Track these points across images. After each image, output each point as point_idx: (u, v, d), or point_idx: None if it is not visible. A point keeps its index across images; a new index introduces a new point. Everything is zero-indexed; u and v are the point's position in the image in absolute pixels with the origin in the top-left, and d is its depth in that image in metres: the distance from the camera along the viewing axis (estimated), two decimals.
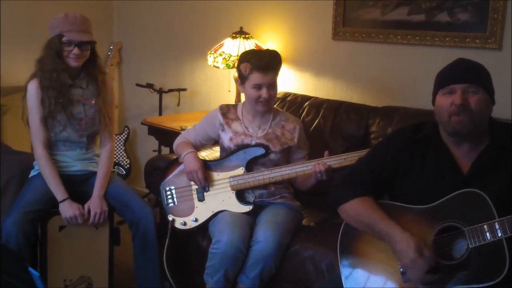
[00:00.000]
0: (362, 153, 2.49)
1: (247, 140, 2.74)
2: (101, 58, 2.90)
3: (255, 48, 3.40)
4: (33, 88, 2.70)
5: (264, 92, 2.65)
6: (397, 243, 1.87)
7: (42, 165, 2.74)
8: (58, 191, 2.70)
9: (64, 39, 2.65)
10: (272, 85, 2.67)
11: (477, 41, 2.90)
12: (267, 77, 2.64)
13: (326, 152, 2.59)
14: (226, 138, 2.77)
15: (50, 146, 2.78)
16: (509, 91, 2.79)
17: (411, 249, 1.82)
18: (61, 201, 2.69)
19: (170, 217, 2.76)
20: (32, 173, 2.86)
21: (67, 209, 2.69)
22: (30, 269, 2.05)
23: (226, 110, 2.83)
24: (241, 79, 2.71)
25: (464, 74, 1.91)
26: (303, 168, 2.58)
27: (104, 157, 2.88)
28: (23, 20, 4.08)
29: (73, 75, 2.77)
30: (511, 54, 2.83)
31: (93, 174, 2.85)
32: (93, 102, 2.80)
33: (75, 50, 2.67)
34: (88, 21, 2.75)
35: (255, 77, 2.63)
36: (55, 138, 2.77)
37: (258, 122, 2.79)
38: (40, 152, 2.73)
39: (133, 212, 2.79)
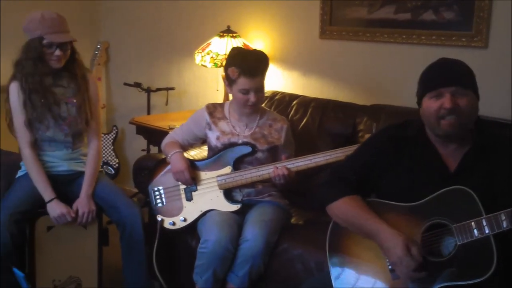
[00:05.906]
0: (347, 149, 2.50)
1: (234, 139, 2.74)
2: (80, 54, 2.83)
3: (242, 47, 3.39)
4: (14, 91, 2.67)
5: (252, 96, 2.65)
6: (385, 241, 1.88)
7: (29, 166, 2.72)
8: (46, 191, 2.69)
9: (44, 41, 2.62)
10: (260, 89, 2.67)
11: (463, 39, 2.92)
12: (255, 82, 2.63)
13: (283, 156, 2.62)
14: (213, 137, 2.77)
15: (37, 146, 2.76)
16: (494, 89, 2.81)
17: (398, 247, 1.83)
18: (49, 201, 2.68)
19: (159, 218, 2.76)
20: (19, 173, 2.84)
21: (55, 208, 2.67)
22: (15, 270, 2.05)
23: (213, 109, 2.83)
24: (229, 82, 2.71)
25: (452, 77, 1.90)
26: (291, 166, 2.58)
27: (91, 155, 2.86)
28: (5, 19, 4.01)
29: (54, 74, 2.75)
30: (496, 52, 2.85)
31: (80, 174, 2.84)
32: (74, 100, 2.78)
33: (57, 52, 2.64)
34: (65, 20, 2.70)
35: (243, 82, 2.63)
36: (40, 139, 2.75)
37: (245, 121, 2.78)
38: (26, 153, 2.72)
39: (119, 213, 2.77)
